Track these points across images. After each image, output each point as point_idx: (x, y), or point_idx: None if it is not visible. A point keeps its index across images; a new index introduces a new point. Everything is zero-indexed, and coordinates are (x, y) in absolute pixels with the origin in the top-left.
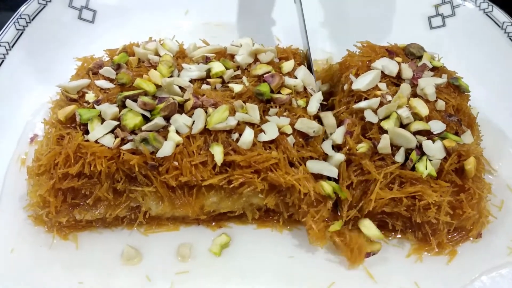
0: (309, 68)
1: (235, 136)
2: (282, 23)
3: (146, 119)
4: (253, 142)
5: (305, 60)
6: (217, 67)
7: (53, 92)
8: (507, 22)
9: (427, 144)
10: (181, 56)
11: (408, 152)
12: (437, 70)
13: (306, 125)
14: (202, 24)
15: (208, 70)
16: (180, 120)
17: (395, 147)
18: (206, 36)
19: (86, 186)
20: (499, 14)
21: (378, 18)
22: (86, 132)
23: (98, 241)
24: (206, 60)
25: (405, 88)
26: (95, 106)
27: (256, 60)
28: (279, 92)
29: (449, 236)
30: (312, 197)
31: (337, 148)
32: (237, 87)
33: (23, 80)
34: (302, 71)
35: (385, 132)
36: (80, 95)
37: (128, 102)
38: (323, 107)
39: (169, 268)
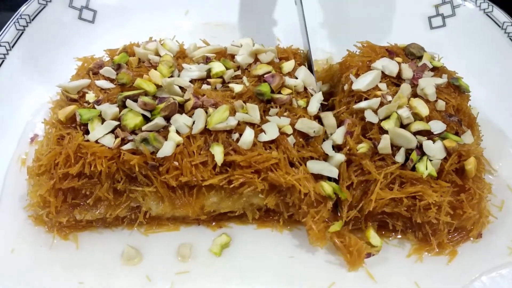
0: (310, 68)
1: (235, 136)
2: (283, 23)
3: (147, 119)
4: (253, 142)
5: (306, 60)
6: (217, 67)
7: (53, 92)
8: (507, 22)
9: (427, 144)
10: (181, 56)
11: (408, 152)
12: (437, 70)
13: (307, 125)
14: (202, 24)
15: (209, 70)
16: (180, 120)
17: (395, 147)
18: (206, 36)
19: (86, 186)
20: (499, 14)
21: (378, 18)
22: (87, 132)
23: (99, 241)
24: (207, 60)
25: (405, 88)
26: (96, 106)
27: (256, 60)
28: (279, 92)
29: (450, 236)
30: (312, 197)
31: (337, 148)
32: (237, 87)
33: (23, 80)
34: (302, 71)
35: (386, 132)
36: (80, 95)
37: (129, 102)
38: (323, 107)
39: (169, 268)
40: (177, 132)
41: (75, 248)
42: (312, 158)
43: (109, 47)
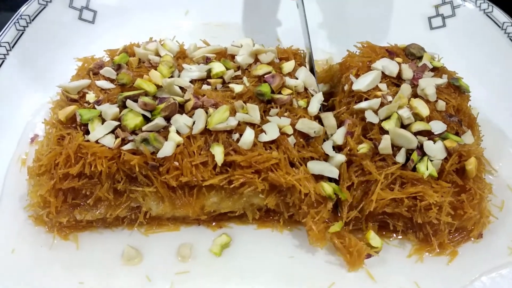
0: (311, 70)
1: (235, 136)
2: (283, 23)
3: (147, 120)
4: (253, 142)
5: (307, 61)
6: (217, 67)
7: (54, 92)
8: (507, 23)
9: (428, 145)
10: (181, 56)
11: (409, 152)
12: (437, 71)
13: (307, 125)
14: (202, 24)
15: (209, 71)
16: (180, 121)
17: (396, 148)
18: (206, 36)
19: (86, 186)
20: (499, 15)
21: (378, 18)
22: (87, 132)
23: (99, 241)
24: (207, 60)
25: (406, 88)
26: (96, 106)
27: (256, 60)
28: (279, 93)
29: (450, 236)
30: (312, 197)
31: (337, 148)
32: (237, 88)
33: (24, 80)
34: (303, 71)
35: (386, 132)
36: (80, 95)
37: (129, 102)
38: (323, 108)
39: (169, 268)
40: (178, 132)
41: (75, 248)
42: (312, 158)
43: (109, 47)
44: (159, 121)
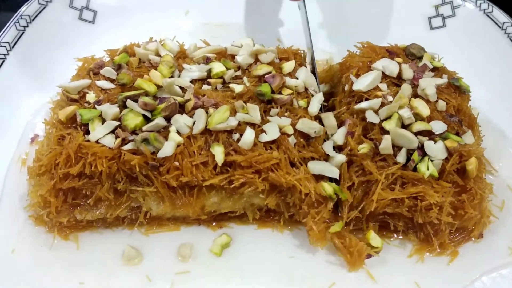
0: (314, 70)
1: (236, 136)
2: (283, 23)
3: (147, 120)
4: (254, 142)
5: (308, 61)
6: (217, 67)
7: (54, 92)
8: (507, 23)
9: (428, 145)
10: (181, 56)
11: (409, 152)
12: (437, 71)
13: (307, 125)
14: (202, 24)
15: (209, 71)
16: (181, 121)
17: (396, 148)
18: (207, 36)
19: (87, 186)
20: (499, 15)
21: (378, 18)
22: (87, 132)
23: (99, 241)
24: (207, 60)
25: (406, 88)
26: (96, 106)
27: (256, 60)
28: (280, 93)
29: (451, 236)
30: (313, 197)
31: (338, 149)
32: (237, 88)
33: (24, 80)
34: (303, 72)
35: (387, 132)
36: (80, 95)
37: (129, 102)
38: (324, 108)
39: (170, 268)
40: (178, 132)
41: (75, 248)
42: (313, 158)
43: (109, 47)
44: (159, 121)
